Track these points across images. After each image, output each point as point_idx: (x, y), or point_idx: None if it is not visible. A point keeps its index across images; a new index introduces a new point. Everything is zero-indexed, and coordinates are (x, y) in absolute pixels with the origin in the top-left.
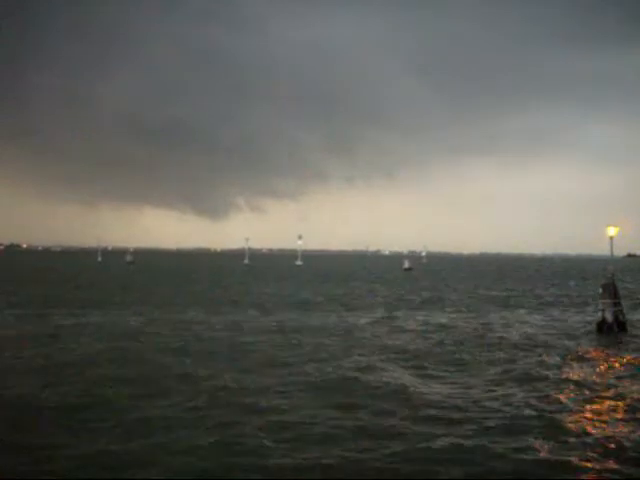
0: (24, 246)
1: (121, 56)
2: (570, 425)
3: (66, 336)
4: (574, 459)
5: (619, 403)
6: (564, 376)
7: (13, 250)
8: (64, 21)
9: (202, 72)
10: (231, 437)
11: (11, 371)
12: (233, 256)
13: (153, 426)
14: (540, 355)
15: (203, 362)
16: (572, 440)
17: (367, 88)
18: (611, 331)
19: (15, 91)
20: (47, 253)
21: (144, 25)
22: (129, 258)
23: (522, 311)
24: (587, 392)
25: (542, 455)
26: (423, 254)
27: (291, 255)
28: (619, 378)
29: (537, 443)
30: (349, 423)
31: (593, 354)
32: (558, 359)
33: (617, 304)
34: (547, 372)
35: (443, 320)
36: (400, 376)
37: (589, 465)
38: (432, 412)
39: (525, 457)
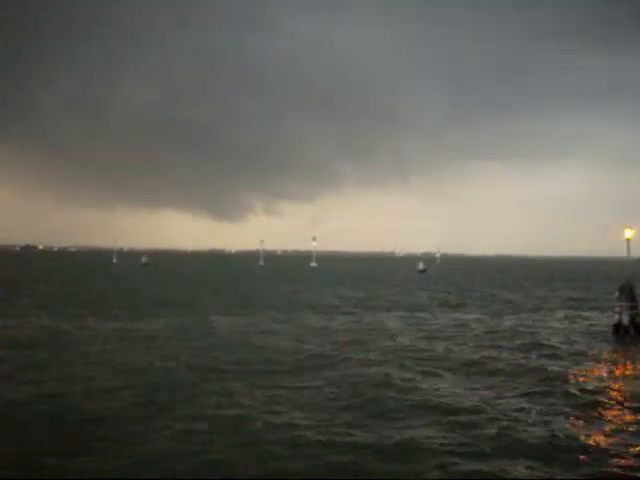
0: (40, 247)
1: (136, 59)
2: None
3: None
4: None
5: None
6: (574, 379)
7: (29, 251)
8: (79, 24)
9: (217, 74)
10: None
11: None
12: (247, 258)
13: None
14: (553, 357)
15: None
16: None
17: (381, 91)
18: (627, 334)
19: (30, 96)
20: (63, 254)
21: (158, 27)
22: (144, 260)
23: (544, 313)
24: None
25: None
26: (437, 255)
27: (305, 257)
28: (634, 379)
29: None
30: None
31: (607, 356)
32: (571, 362)
33: (634, 307)
34: (558, 374)
35: (473, 323)
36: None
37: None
38: (459, 419)
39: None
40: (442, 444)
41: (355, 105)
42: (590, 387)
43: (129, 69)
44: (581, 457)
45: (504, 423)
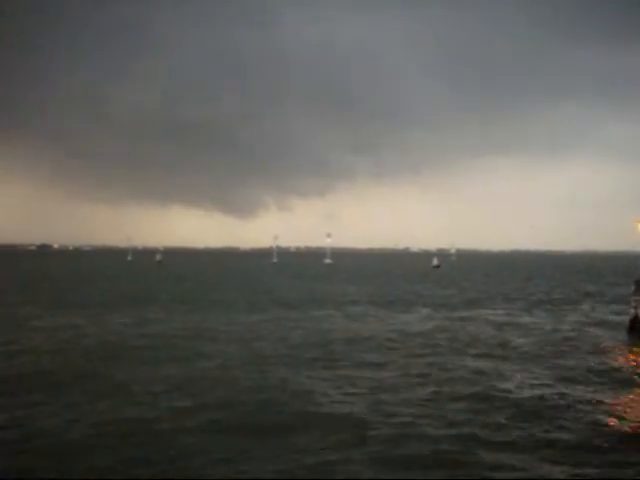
0: (55, 246)
1: (145, 57)
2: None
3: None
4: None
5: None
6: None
7: (45, 250)
8: (88, 22)
9: (228, 71)
10: None
11: None
12: (261, 255)
13: None
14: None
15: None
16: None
17: (391, 86)
18: None
19: (41, 94)
20: (79, 253)
21: (168, 25)
22: (158, 257)
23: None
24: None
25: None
26: (452, 251)
27: (319, 253)
28: None
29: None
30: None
31: (619, 351)
32: (587, 356)
33: None
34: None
35: (500, 318)
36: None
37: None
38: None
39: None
40: None
41: (365, 100)
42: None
43: (139, 68)
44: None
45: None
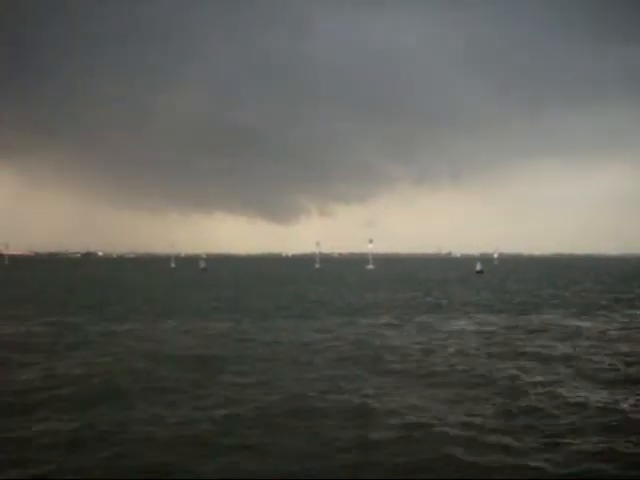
0: (100, 254)
1: (190, 66)
2: None
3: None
4: None
5: None
6: None
7: (89, 258)
8: (132, 32)
9: (268, 78)
10: None
11: None
12: (304, 261)
13: None
14: None
15: None
16: None
17: (429, 89)
18: None
19: (81, 101)
20: (123, 260)
21: (206, 32)
22: (202, 264)
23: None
24: None
25: None
26: (495, 256)
27: (361, 259)
28: None
29: None
30: None
31: None
32: None
33: None
34: None
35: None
36: None
37: None
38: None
39: None
40: None
41: (404, 104)
42: None
43: (177, 74)
44: None
45: None
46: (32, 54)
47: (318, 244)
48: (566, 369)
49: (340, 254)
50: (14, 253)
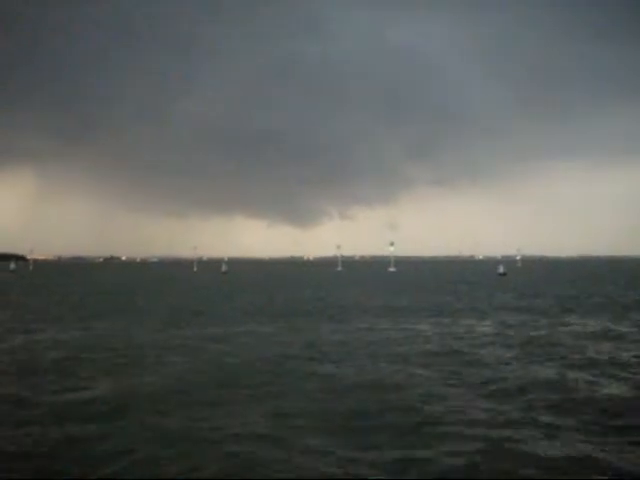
0: (123, 258)
1: (211, 70)
2: None
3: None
4: None
5: None
6: None
7: (112, 262)
8: (149, 34)
9: (288, 82)
10: None
11: None
12: (325, 264)
13: None
14: None
15: None
16: None
17: (449, 91)
18: None
19: (104, 109)
20: (147, 264)
21: (226, 36)
22: (224, 268)
23: None
24: None
25: None
26: (517, 258)
27: (382, 262)
28: None
29: None
30: None
31: None
32: None
33: None
34: None
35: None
36: None
37: None
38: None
39: None
40: None
41: (423, 106)
42: None
43: (198, 79)
44: None
45: None
46: (55, 63)
47: (339, 247)
48: None
49: (361, 257)
50: (38, 257)
